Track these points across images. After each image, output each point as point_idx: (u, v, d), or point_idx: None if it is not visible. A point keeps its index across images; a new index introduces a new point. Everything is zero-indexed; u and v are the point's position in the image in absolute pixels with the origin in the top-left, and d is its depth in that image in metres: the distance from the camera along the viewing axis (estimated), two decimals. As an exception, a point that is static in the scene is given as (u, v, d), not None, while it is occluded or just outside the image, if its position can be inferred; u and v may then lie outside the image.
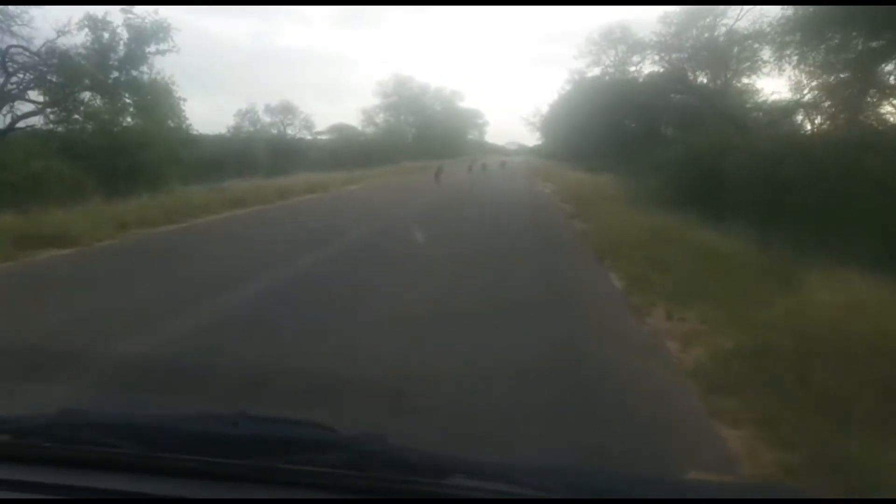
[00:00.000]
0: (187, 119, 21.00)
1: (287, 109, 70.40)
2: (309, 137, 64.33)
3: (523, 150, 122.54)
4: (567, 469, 1.48)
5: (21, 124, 19.57)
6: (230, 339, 5.78)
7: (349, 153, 46.62)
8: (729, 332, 6.18)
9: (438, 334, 6.11)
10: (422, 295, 7.79)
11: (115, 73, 18.30)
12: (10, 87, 19.19)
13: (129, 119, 18.84)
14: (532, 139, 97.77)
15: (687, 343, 5.97)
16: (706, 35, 39.32)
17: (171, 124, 18.95)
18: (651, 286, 8.00)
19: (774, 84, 79.12)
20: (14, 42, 18.86)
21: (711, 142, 17.54)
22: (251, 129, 69.06)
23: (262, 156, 34.36)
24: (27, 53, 18.82)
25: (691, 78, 39.96)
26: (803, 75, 21.78)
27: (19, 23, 18.57)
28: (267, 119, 70.15)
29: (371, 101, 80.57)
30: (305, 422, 1.43)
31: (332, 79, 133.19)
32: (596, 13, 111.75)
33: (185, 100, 20.61)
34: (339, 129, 60.15)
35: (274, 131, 69.92)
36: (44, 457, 1.38)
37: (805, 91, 24.53)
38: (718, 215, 13.47)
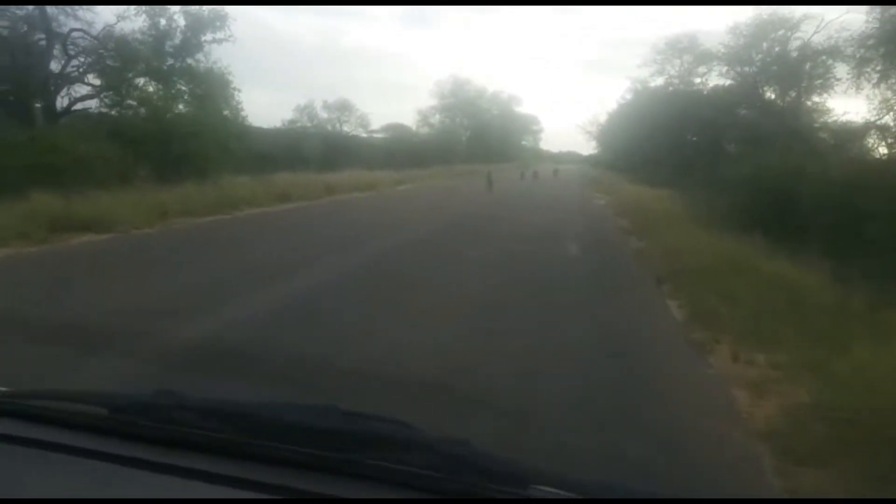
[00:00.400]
0: (242, 110, 20.87)
1: (344, 106, 70.67)
2: (363, 135, 64.73)
3: (577, 159, 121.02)
4: (651, 493, 1.49)
5: (79, 107, 19.75)
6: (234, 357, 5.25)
7: (401, 153, 46.30)
8: (805, 383, 5.40)
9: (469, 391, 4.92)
10: (447, 336, 6.26)
11: (171, 61, 18.23)
12: (69, 69, 19.36)
13: (181, 107, 18.75)
14: (587, 148, 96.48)
15: (757, 394, 5.20)
16: (777, 49, 37.76)
17: (225, 114, 18.77)
18: (715, 319, 7.20)
19: (846, 104, 75.30)
20: (77, 26, 19.03)
21: (782, 163, 16.46)
22: (308, 124, 70.07)
23: (314, 151, 34.21)
24: (88, 37, 18.93)
25: (759, 93, 38.41)
26: (889, 92, 20.36)
27: (82, 7, 18.74)
28: (324, 115, 70.92)
29: (427, 101, 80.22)
30: (392, 420, 1.44)
31: (391, 79, 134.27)
32: (658, 19, 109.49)
33: (239, 91, 20.48)
34: (393, 129, 59.95)
35: (329, 128, 70.71)
36: (140, 434, 1.41)
37: (887, 110, 23.17)
38: (788, 242, 12.51)
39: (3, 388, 1.59)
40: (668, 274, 9.80)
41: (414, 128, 70.04)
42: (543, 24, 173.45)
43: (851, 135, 35.70)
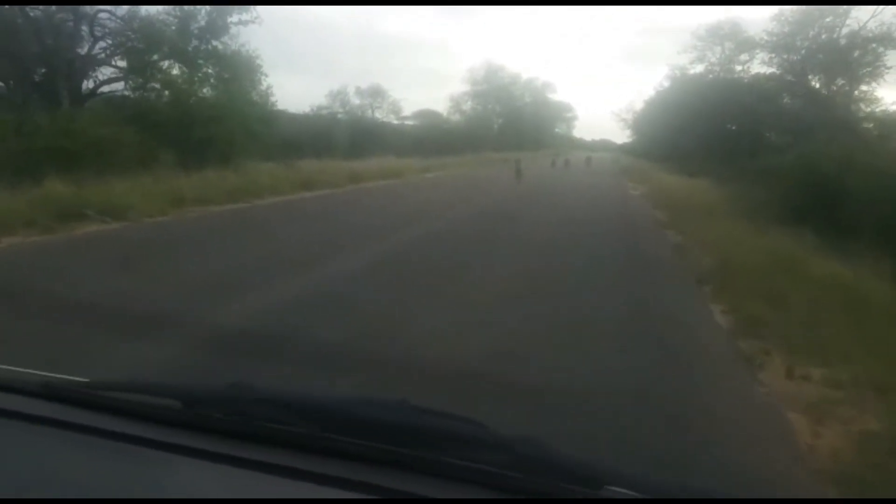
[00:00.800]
0: (272, 95, 20.36)
1: (377, 93, 70.23)
2: (395, 122, 64.19)
3: (611, 147, 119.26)
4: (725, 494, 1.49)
5: (106, 89, 19.52)
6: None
7: (431, 140, 45.74)
8: (872, 406, 4.75)
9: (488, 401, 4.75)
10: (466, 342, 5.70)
11: (196, 42, 17.81)
12: (96, 52, 19.08)
13: (206, 90, 18.36)
14: (622, 136, 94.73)
15: (818, 419, 4.52)
16: (824, 36, 36.22)
17: (251, 99, 18.32)
18: (764, 327, 6.51)
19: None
20: (104, 7, 18.72)
21: (830, 154, 15.49)
22: (341, 110, 69.81)
23: (342, 138, 33.73)
24: (115, 18, 18.61)
25: (804, 81, 36.92)
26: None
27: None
28: (356, 101, 70.59)
29: (460, 88, 79.42)
30: (464, 417, 1.39)
31: (426, 66, 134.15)
32: (695, 10, 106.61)
33: (266, 75, 20.00)
34: (423, 115, 59.39)
35: (361, 114, 70.30)
36: (215, 427, 1.41)
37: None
38: (838, 238, 11.67)
39: (83, 379, 1.60)
40: (709, 273, 9.06)
41: (445, 115, 69.44)
42: (581, 12, 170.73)
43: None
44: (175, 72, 17.56)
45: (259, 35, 29.40)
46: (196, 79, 18.41)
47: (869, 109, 35.37)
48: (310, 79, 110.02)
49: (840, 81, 35.67)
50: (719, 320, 7.02)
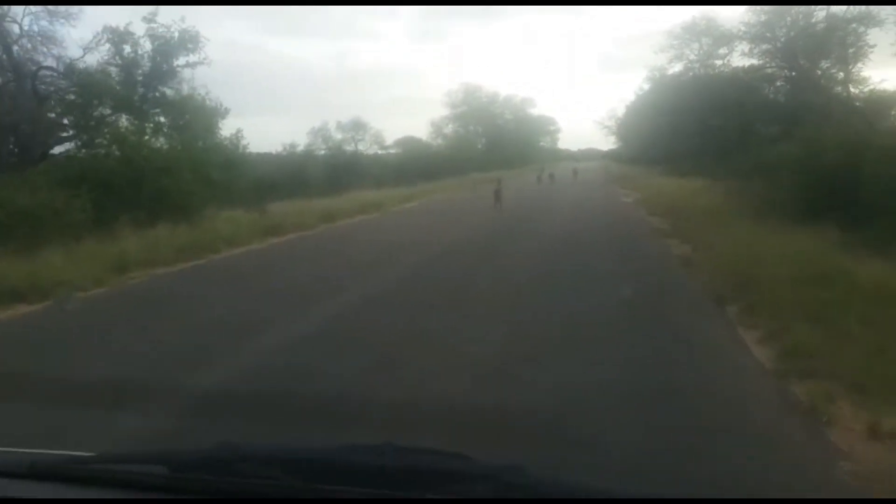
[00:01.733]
0: (243, 138, 19.01)
1: (358, 126, 69.26)
2: (373, 152, 63.02)
3: (597, 155, 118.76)
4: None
5: (62, 149, 18.22)
6: None
7: (415, 167, 44.63)
8: None
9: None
10: None
11: (142, 90, 16.53)
12: (46, 111, 17.81)
13: (161, 141, 17.08)
14: (607, 143, 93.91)
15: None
16: (802, 21, 35.32)
17: (214, 143, 16.99)
18: (818, 359, 5.14)
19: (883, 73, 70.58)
20: (47, 63, 17.51)
21: (839, 139, 14.19)
22: (323, 146, 68.87)
23: (319, 174, 32.46)
24: (55, 74, 17.38)
25: (790, 66, 35.94)
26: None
27: (51, 44, 17.20)
28: (339, 136, 69.65)
29: (440, 112, 78.84)
30: (447, 452, 1.44)
31: (404, 94, 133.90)
32: (669, 15, 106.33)
33: (223, 117, 18.64)
34: (405, 143, 58.36)
35: (343, 149, 69.30)
36: (203, 489, 1.41)
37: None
38: (866, 233, 10.34)
39: (71, 453, 1.64)
40: (730, 290, 7.68)
41: (428, 140, 68.52)
42: (553, 26, 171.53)
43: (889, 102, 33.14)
44: (125, 124, 16.24)
45: (239, 79, 28.38)
46: (148, 128, 17.13)
47: (858, 90, 34.33)
48: (293, 119, 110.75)
49: (825, 64, 34.67)
50: (758, 354, 5.62)
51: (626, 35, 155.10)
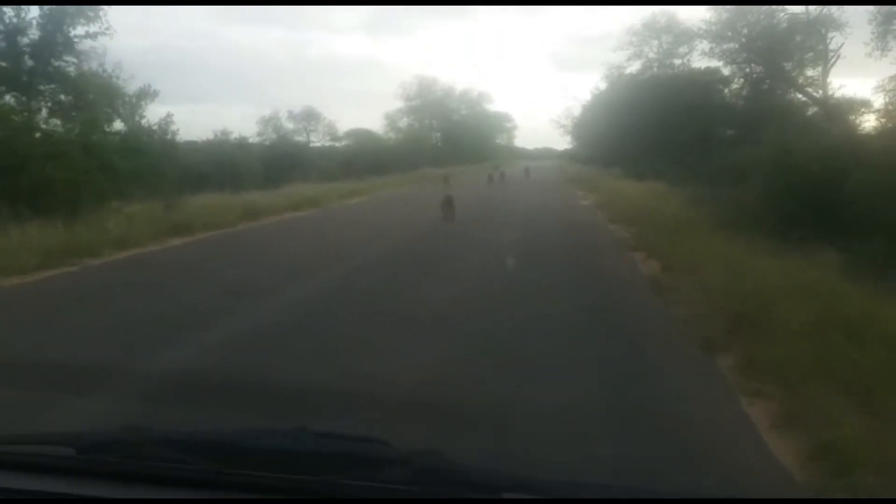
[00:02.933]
0: (172, 123, 16.79)
1: (311, 116, 66.60)
2: (323, 144, 60.47)
3: (553, 155, 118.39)
4: (626, 488, 1.42)
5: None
6: None
7: (365, 160, 42.56)
8: None
9: None
10: None
11: (31, 63, 14.12)
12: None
13: (58, 122, 14.76)
14: (563, 143, 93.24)
15: None
16: (764, 21, 34.39)
17: (109, 128, 14.70)
18: (873, 469, 3.46)
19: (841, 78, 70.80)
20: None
21: (822, 143, 12.78)
22: (273, 135, 65.91)
23: (257, 165, 30.08)
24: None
25: (749, 69, 35.04)
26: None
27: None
28: (290, 126, 66.76)
29: (395, 105, 76.81)
30: (363, 437, 1.43)
31: (361, 87, 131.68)
32: (628, 15, 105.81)
33: (151, 100, 16.47)
34: (355, 135, 56.05)
35: (299, 139, 66.41)
36: (107, 471, 1.39)
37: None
38: (863, 250, 8.87)
39: None
40: (719, 330, 5.99)
41: (381, 133, 66.39)
42: (510, 25, 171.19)
43: (846, 107, 32.42)
44: (8, 101, 13.85)
45: (193, 66, 25.73)
46: (44, 107, 14.80)
47: (819, 94, 33.56)
48: (252, 108, 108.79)
49: (787, 66, 33.80)
50: (778, 451, 3.85)
51: (583, 35, 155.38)
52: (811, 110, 33.82)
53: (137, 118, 16.67)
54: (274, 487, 1.29)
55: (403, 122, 74.72)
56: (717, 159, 24.97)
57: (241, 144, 31.59)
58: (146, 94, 16.78)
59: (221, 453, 1.36)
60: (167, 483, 1.32)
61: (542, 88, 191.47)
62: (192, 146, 26.45)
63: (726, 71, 35.94)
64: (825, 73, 30.44)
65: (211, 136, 30.83)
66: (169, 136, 17.54)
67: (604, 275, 9.72)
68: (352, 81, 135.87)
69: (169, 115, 16.82)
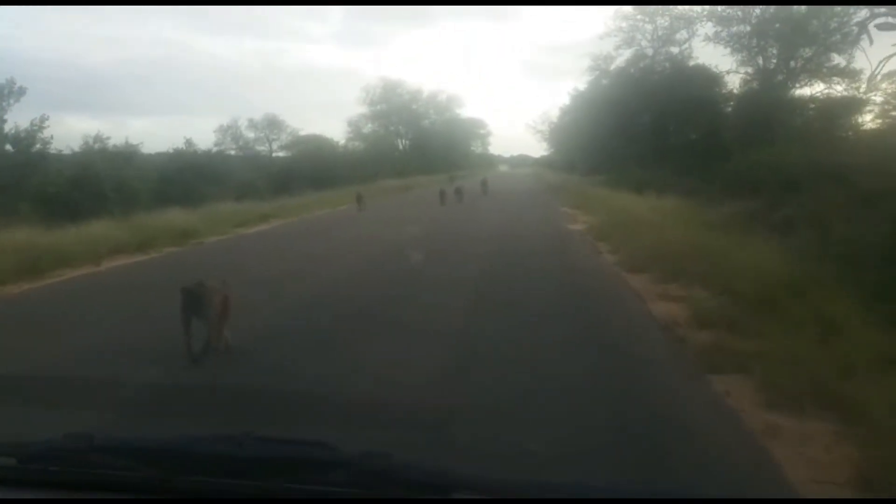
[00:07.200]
0: (40, 130, 11.25)
1: (272, 124, 60.01)
2: (280, 154, 54.15)
3: (529, 162, 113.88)
4: (571, 485, 1.42)
5: None
6: None
7: (310, 171, 36.35)
8: None
9: None
10: None
11: None
12: None
13: None
14: (539, 150, 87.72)
15: None
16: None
17: None
18: None
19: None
20: None
21: None
22: (233, 145, 59.26)
23: (145, 181, 23.48)
24: None
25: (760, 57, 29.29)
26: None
27: None
28: (251, 135, 60.20)
29: (356, 110, 70.64)
30: (310, 441, 1.41)
31: (328, 97, 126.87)
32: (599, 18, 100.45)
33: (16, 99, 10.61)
34: (304, 142, 49.40)
35: (260, 148, 59.84)
36: (49, 481, 1.37)
37: None
38: None
39: None
40: None
41: (342, 140, 60.09)
42: (483, 32, 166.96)
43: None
44: None
45: (165, 77, 19.56)
46: None
47: (843, 86, 27.88)
48: (218, 118, 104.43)
49: (808, 52, 28.08)
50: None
51: (558, 42, 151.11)
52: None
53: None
54: (219, 493, 1.29)
55: (368, 128, 68.56)
56: (743, 164, 19.13)
57: (127, 155, 24.34)
58: (9, 93, 12.97)
59: (166, 459, 1.34)
60: (112, 490, 1.32)
61: (517, 95, 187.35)
62: (58, 157, 19.73)
63: (732, 60, 30.06)
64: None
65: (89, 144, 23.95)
66: (38, 146, 13.37)
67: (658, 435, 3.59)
68: (323, 92, 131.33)
69: (43, 119, 12.45)
